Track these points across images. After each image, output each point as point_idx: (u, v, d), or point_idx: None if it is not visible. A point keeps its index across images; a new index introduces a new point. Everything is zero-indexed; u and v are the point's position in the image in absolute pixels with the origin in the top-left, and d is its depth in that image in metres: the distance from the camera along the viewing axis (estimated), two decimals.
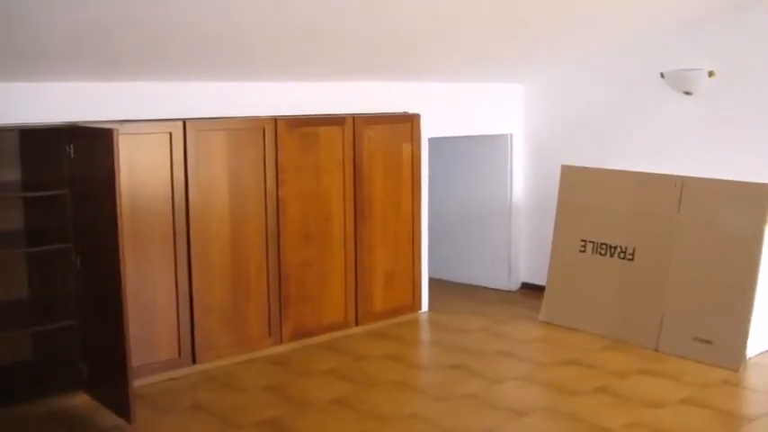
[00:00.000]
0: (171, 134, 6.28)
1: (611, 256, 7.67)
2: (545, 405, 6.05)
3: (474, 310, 8.67)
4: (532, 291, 9.06)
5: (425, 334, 8.02)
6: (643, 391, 6.26)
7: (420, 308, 8.31)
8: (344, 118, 7.43)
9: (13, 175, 6.13)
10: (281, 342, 7.14)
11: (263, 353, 7.07)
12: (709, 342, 6.87)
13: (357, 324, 7.71)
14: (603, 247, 7.74)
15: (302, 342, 7.33)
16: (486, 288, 9.53)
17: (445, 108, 8.46)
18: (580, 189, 7.99)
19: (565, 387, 6.34)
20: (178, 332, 6.46)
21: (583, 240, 7.89)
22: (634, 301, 7.45)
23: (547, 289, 8.18)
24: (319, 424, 5.69)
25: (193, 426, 5.68)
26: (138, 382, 5.86)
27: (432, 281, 8.81)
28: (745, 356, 6.70)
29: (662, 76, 7.81)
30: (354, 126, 7.47)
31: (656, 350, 7.15)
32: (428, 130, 8.19)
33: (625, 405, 5.96)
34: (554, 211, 8.19)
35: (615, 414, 5.78)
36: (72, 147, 5.75)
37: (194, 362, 6.57)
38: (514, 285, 9.41)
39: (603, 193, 7.80)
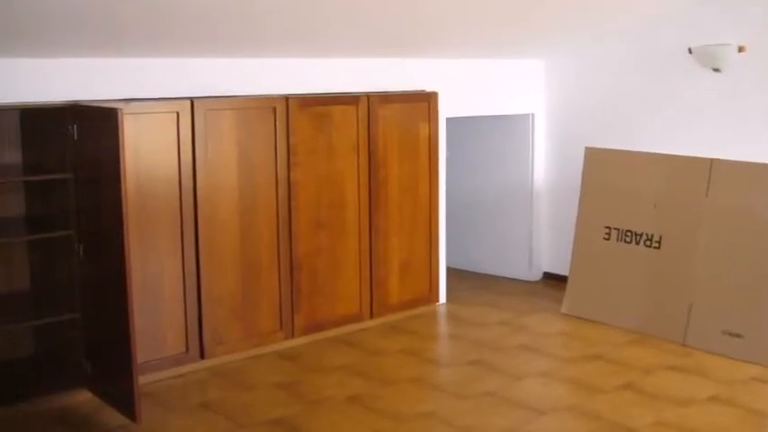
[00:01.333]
0: (178, 114, 6.23)
1: (637, 243, 7.61)
2: (567, 403, 6.02)
3: (493, 301, 8.64)
4: (555, 281, 9.01)
5: (443, 327, 8.00)
6: (669, 388, 6.21)
7: (437, 299, 8.28)
8: (359, 97, 7.36)
9: (13, 157, 6.07)
10: (293, 336, 7.11)
11: (274, 347, 7.05)
12: (739, 336, 6.82)
13: (372, 317, 7.68)
14: (629, 234, 7.67)
15: (315, 336, 7.30)
16: (506, 278, 9.49)
17: (464, 86, 8.39)
18: (605, 172, 7.93)
19: (588, 384, 6.31)
20: (185, 325, 6.44)
21: (607, 227, 7.83)
22: (660, 293, 7.40)
23: (569, 280, 8.14)
24: (332, 424, 5.67)
25: (201, 425, 5.66)
26: (143, 379, 5.83)
27: (449, 270, 8.76)
28: None
29: (690, 51, 7.70)
30: (369, 105, 7.40)
31: (684, 344, 7.11)
32: (446, 110, 8.12)
33: (651, 403, 5.93)
34: (577, 196, 8.13)
35: (640, 413, 5.75)
36: (75, 127, 5.69)
37: (202, 357, 6.55)
38: (536, 275, 9.37)
39: (629, 177, 7.74)
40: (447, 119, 8.22)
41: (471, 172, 9.56)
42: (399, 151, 7.70)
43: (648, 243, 7.52)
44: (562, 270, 8.68)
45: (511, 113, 9.01)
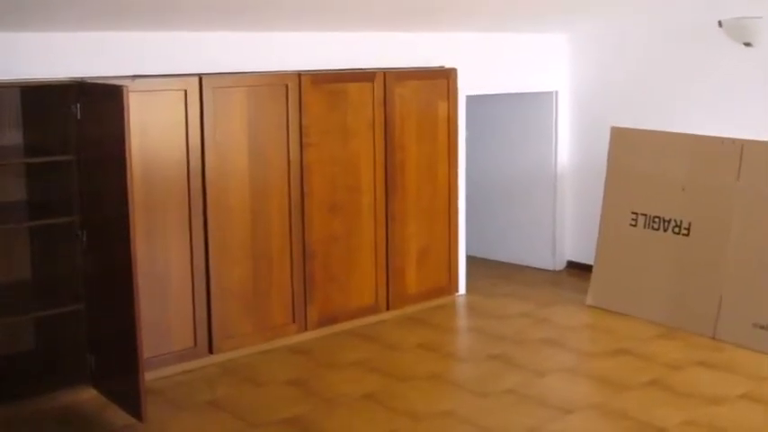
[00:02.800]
0: (186, 92, 6.17)
1: (665, 230, 7.55)
2: (593, 401, 5.97)
3: (515, 292, 8.62)
4: (579, 270, 8.98)
5: (462, 320, 7.98)
6: (699, 384, 6.18)
7: (456, 290, 8.26)
8: (374, 73, 7.30)
9: (13, 138, 6.01)
10: (306, 329, 7.08)
11: (286, 341, 7.02)
12: None
13: (388, 308, 7.65)
14: (656, 220, 7.62)
15: (329, 329, 7.28)
16: (528, 267, 9.47)
17: (484, 62, 8.33)
18: (631, 154, 7.86)
19: (614, 380, 6.28)
20: (194, 318, 6.40)
21: (634, 213, 7.77)
22: (689, 284, 7.35)
23: (594, 270, 8.09)
24: (346, 423, 5.64)
25: (210, 424, 5.64)
26: (149, 375, 5.78)
27: (469, 259, 8.74)
28: None
29: (720, 24, 7.60)
30: (385, 82, 7.34)
31: (713, 338, 7.07)
32: (465, 87, 8.05)
33: (680, 401, 5.89)
34: (603, 179, 8.06)
35: (669, 411, 5.71)
36: (78, 106, 5.61)
37: (211, 352, 6.52)
38: (559, 264, 9.36)
39: (656, 159, 7.67)
40: (467, 97, 8.16)
41: (491, 154, 9.51)
42: (417, 132, 7.64)
43: (677, 230, 7.46)
44: (587, 259, 8.62)
45: (533, 91, 8.96)
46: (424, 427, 5.56)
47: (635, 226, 7.77)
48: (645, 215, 7.70)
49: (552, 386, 6.26)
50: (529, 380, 6.33)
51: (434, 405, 5.90)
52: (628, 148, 7.89)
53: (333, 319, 7.26)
